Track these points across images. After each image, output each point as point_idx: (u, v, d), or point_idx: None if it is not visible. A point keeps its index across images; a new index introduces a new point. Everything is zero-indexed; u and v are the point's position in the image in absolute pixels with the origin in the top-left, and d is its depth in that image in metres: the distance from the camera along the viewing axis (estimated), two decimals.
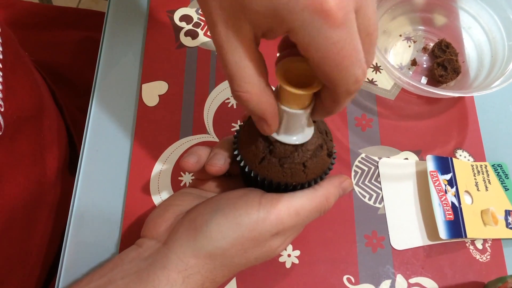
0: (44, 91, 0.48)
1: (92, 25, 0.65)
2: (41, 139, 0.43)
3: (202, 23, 0.49)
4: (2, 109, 0.36)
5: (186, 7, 0.50)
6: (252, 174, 0.32)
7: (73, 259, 0.39)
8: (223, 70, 0.28)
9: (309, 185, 0.33)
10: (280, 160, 0.31)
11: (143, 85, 0.46)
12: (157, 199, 0.41)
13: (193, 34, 0.48)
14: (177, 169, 0.42)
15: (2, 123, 0.36)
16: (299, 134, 0.31)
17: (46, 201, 0.44)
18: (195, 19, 0.49)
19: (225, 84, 0.46)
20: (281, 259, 0.39)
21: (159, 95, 0.45)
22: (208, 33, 0.48)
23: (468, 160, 0.44)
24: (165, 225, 0.33)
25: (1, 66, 0.37)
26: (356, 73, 0.25)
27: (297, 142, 0.31)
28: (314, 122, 0.32)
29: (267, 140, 0.31)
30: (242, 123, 0.35)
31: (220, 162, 0.34)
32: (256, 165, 0.32)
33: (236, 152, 0.34)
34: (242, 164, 0.33)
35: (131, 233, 0.40)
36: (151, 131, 0.44)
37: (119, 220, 0.40)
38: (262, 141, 0.31)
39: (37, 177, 0.42)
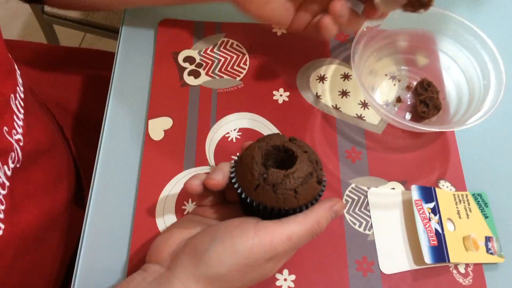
0: (54, 127, 0.51)
1: (98, 64, 0.69)
2: (53, 172, 0.46)
3: (204, 64, 0.53)
4: (22, 144, 0.40)
5: (190, 49, 0.54)
6: (248, 200, 0.36)
7: (83, 284, 0.42)
8: None
9: (301, 210, 0.37)
10: (274, 187, 0.35)
11: (150, 121, 0.49)
12: (162, 226, 0.44)
13: (195, 74, 0.53)
14: (181, 199, 0.45)
15: (20, 156, 0.39)
16: None
17: (55, 230, 0.47)
18: (198, 60, 0.53)
19: (225, 120, 0.50)
20: (278, 283, 0.42)
21: (164, 130, 0.49)
22: (210, 72, 0.52)
23: (450, 189, 0.48)
24: (168, 251, 0.37)
25: (23, 105, 0.41)
26: None
27: None
28: (305, 152, 0.36)
29: (261, 169, 0.35)
30: (239, 154, 0.39)
31: (219, 177, 0.37)
32: (252, 191, 0.36)
33: (234, 180, 0.37)
34: (239, 191, 0.37)
35: (138, 259, 0.42)
36: (157, 163, 0.47)
37: (126, 246, 0.43)
38: (257, 169, 0.35)
39: (48, 207, 0.45)
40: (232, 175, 0.38)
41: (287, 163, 0.37)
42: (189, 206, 0.45)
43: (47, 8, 1.02)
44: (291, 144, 0.37)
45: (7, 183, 0.37)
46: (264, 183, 0.35)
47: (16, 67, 0.42)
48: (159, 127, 0.49)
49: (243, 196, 0.37)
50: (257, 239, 0.34)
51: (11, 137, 0.38)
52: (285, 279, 0.42)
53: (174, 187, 0.46)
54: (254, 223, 0.35)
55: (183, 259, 0.35)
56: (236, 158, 0.39)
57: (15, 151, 0.38)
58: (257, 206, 0.36)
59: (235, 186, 0.37)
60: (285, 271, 0.42)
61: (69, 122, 0.58)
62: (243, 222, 0.35)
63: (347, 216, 0.45)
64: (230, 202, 0.41)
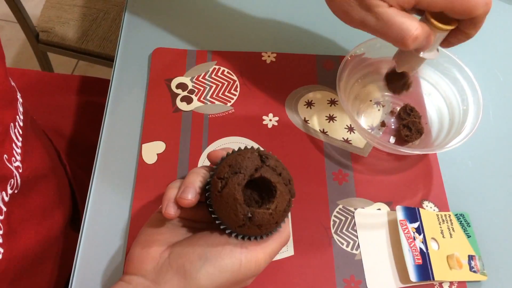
0: (51, 152, 0.53)
1: (93, 90, 0.71)
2: (50, 196, 0.47)
3: (196, 90, 0.55)
4: (21, 170, 0.41)
5: (182, 76, 0.56)
6: (231, 232, 0.38)
7: None
8: (391, 35, 0.40)
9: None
10: (259, 226, 0.37)
11: (143, 145, 0.51)
12: None
13: (188, 100, 0.55)
14: None
15: (19, 182, 0.40)
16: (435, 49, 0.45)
17: (52, 253, 0.48)
18: (190, 87, 0.56)
19: (216, 144, 0.52)
20: None
21: (157, 154, 0.51)
22: (202, 98, 0.54)
23: (434, 210, 0.49)
24: (152, 263, 0.37)
25: (21, 133, 0.42)
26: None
27: (433, 57, 0.45)
28: (279, 175, 0.38)
29: (244, 209, 0.36)
30: (214, 177, 0.38)
31: (191, 196, 0.38)
32: (236, 228, 0.37)
33: (212, 213, 0.38)
34: (221, 226, 0.38)
35: None
36: (150, 186, 0.48)
37: (120, 270, 0.44)
38: (241, 211, 0.36)
39: (46, 231, 0.45)
40: (208, 201, 0.39)
41: (264, 187, 0.38)
42: None
43: (42, 36, 1.04)
44: (266, 171, 0.37)
45: (5, 209, 0.38)
46: (250, 223, 0.37)
47: (19, 95, 0.43)
48: (152, 151, 0.51)
49: (226, 231, 0.38)
50: (244, 259, 0.37)
51: (11, 164, 0.39)
52: None
53: None
54: (240, 244, 0.38)
55: (172, 276, 0.36)
56: (210, 181, 0.38)
57: (14, 178, 0.39)
58: (240, 236, 0.38)
59: (217, 221, 0.38)
60: None
61: (65, 147, 0.59)
62: (228, 242, 0.38)
63: (335, 236, 0.47)
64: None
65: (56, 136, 0.57)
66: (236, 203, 0.36)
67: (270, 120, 0.54)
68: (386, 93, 0.56)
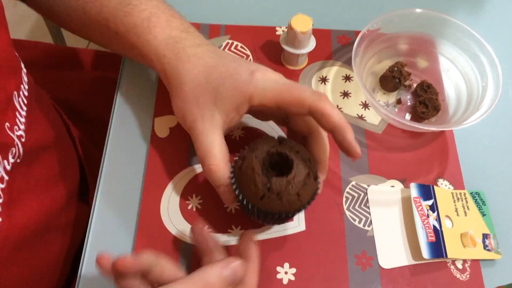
0: (59, 125, 0.53)
1: (105, 65, 0.71)
2: (54, 168, 0.47)
3: None
4: (23, 140, 0.41)
5: None
6: (255, 209, 0.39)
7: (88, 281, 0.43)
8: (196, 151, 0.41)
9: (304, 208, 0.39)
10: (279, 195, 0.37)
11: (156, 119, 0.51)
12: (167, 221, 0.45)
13: None
14: (185, 194, 0.47)
15: (21, 152, 0.40)
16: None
17: (57, 225, 0.48)
18: None
19: None
20: (278, 276, 0.43)
21: (169, 128, 0.50)
22: None
23: (449, 188, 0.49)
24: None
25: (26, 102, 0.42)
26: None
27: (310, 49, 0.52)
28: (297, 152, 0.39)
29: (263, 179, 0.37)
30: (236, 158, 0.41)
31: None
32: (258, 201, 0.38)
33: (236, 190, 0.39)
34: (244, 202, 0.39)
35: (143, 245, 0.43)
36: (162, 159, 0.48)
37: (131, 242, 0.44)
38: (259, 180, 0.37)
39: (48, 202, 0.45)
40: (232, 181, 0.40)
41: (283, 166, 0.39)
42: (193, 201, 0.46)
43: None
44: (284, 147, 0.39)
45: (6, 177, 0.38)
46: (269, 193, 0.37)
47: (22, 65, 0.43)
48: (164, 124, 0.50)
49: (249, 206, 0.39)
50: None
51: (13, 132, 0.39)
52: (286, 272, 0.43)
53: (179, 182, 0.47)
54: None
55: None
56: (232, 165, 0.41)
57: (16, 147, 0.39)
58: (264, 212, 0.38)
59: (240, 198, 0.39)
60: (286, 264, 0.43)
61: (76, 122, 0.59)
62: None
63: (347, 213, 0.47)
64: None
65: (66, 110, 0.57)
66: (254, 173, 0.37)
67: None
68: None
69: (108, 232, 0.45)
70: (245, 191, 0.38)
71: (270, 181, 0.37)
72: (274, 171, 0.40)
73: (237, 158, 0.41)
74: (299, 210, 0.39)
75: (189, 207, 0.46)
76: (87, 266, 0.43)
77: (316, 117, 0.38)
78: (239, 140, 0.50)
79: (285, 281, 0.43)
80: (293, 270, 0.43)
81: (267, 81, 0.39)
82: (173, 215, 0.45)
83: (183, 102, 0.42)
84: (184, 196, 0.47)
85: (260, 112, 0.45)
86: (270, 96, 0.39)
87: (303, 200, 0.38)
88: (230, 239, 0.44)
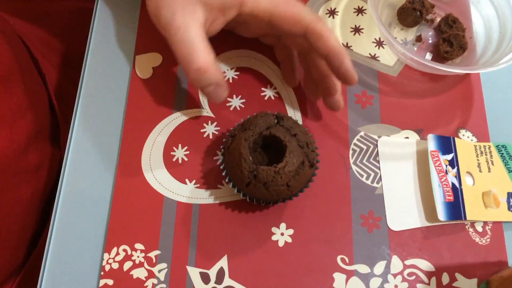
0: (24, 58, 0.46)
1: None
2: (12, 104, 0.42)
3: None
4: None
5: None
6: (241, 193, 0.37)
7: (62, 227, 0.39)
8: (176, 52, 0.35)
9: (296, 196, 0.37)
10: (265, 184, 0.34)
11: (137, 57, 0.44)
12: (148, 173, 0.40)
13: None
14: (170, 144, 0.41)
15: None
16: None
17: (18, 168, 0.42)
18: None
19: (222, 57, 0.44)
20: (273, 238, 0.38)
21: (153, 67, 0.44)
22: None
23: (471, 140, 0.43)
24: None
25: None
26: None
27: None
28: (294, 135, 0.36)
29: (250, 166, 0.34)
30: (229, 134, 0.38)
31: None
32: (244, 187, 0.35)
33: (224, 171, 0.37)
34: (231, 184, 0.37)
35: (121, 199, 0.39)
36: (144, 104, 0.42)
37: (109, 194, 0.40)
38: (246, 167, 0.35)
39: (4, 142, 0.40)
40: (222, 165, 0.37)
41: (277, 147, 0.36)
42: (179, 152, 0.41)
43: None
44: (278, 129, 0.36)
45: None
46: (255, 181, 0.35)
47: None
48: (147, 64, 0.44)
49: (236, 191, 0.37)
50: None
51: None
52: (282, 234, 0.38)
53: (162, 130, 0.41)
54: None
55: None
56: (224, 140, 0.38)
57: None
58: (250, 198, 0.37)
59: (226, 180, 0.37)
60: (282, 225, 0.39)
61: (51, 58, 0.53)
62: None
63: (354, 167, 0.41)
64: None
65: (42, 45, 0.51)
66: (241, 157, 0.35)
67: None
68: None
69: (82, 183, 0.40)
70: (232, 174, 0.36)
71: (257, 169, 0.34)
72: (266, 152, 0.38)
73: (229, 134, 0.38)
74: (290, 198, 0.37)
75: (174, 159, 0.41)
76: (61, 212, 0.39)
77: (311, 39, 0.36)
78: (232, 82, 0.44)
79: (280, 243, 0.38)
80: (290, 231, 0.39)
81: None
82: (156, 168, 0.40)
83: None
84: (169, 146, 0.41)
85: (246, 25, 0.40)
86: (263, 7, 0.35)
87: (293, 190, 0.36)
88: (220, 196, 0.39)
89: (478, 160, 0.41)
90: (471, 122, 0.43)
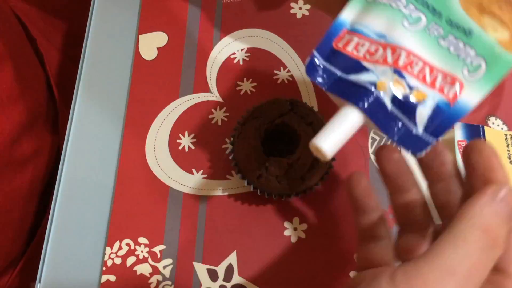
0: (15, 40, 0.44)
1: None
2: (9, 83, 0.39)
3: None
4: None
5: None
6: (251, 186, 0.34)
7: (63, 216, 0.37)
8: None
9: (310, 189, 0.34)
10: (277, 177, 0.33)
11: (141, 36, 0.41)
12: (152, 162, 0.38)
13: None
14: (176, 130, 0.39)
15: None
16: None
17: (10, 159, 0.40)
18: None
19: (231, 37, 0.41)
20: (286, 233, 0.36)
21: (157, 48, 0.41)
22: None
23: (502, 128, 0.39)
24: None
25: None
26: None
27: None
28: (310, 124, 0.33)
29: (261, 157, 0.32)
30: (239, 121, 0.35)
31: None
32: (255, 180, 0.33)
33: (233, 163, 0.34)
34: (240, 175, 0.34)
35: (126, 190, 0.37)
36: (148, 87, 0.40)
37: (111, 184, 0.37)
38: (257, 159, 0.33)
39: (7, 119, 0.38)
40: (231, 155, 0.34)
41: (290, 136, 0.35)
42: (185, 140, 0.38)
43: None
44: (292, 118, 0.34)
45: None
46: (267, 174, 0.33)
47: None
48: (151, 44, 0.41)
49: (245, 183, 0.34)
50: None
51: None
52: (295, 229, 0.36)
53: (167, 116, 0.39)
54: (389, 272, 0.20)
55: None
56: (234, 128, 0.35)
57: None
58: (261, 191, 0.34)
59: (235, 171, 0.35)
60: (295, 220, 0.36)
61: (53, 36, 0.50)
62: (376, 277, 0.20)
63: (373, 157, 0.38)
64: None
65: (39, 22, 0.48)
66: (250, 148, 0.33)
67: (300, 8, 0.43)
68: None
69: (83, 172, 0.38)
70: (242, 166, 0.34)
71: (268, 161, 0.32)
72: (279, 140, 0.35)
73: (239, 122, 0.35)
74: (304, 192, 0.34)
75: (180, 147, 0.38)
76: (61, 204, 0.37)
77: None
78: (242, 64, 0.41)
79: (293, 239, 0.36)
80: (304, 226, 0.36)
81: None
82: (160, 157, 0.38)
83: None
84: (174, 133, 0.39)
85: None
86: None
87: (308, 183, 0.33)
88: (229, 187, 0.37)
89: (508, 150, 0.38)
90: (501, 109, 0.40)
